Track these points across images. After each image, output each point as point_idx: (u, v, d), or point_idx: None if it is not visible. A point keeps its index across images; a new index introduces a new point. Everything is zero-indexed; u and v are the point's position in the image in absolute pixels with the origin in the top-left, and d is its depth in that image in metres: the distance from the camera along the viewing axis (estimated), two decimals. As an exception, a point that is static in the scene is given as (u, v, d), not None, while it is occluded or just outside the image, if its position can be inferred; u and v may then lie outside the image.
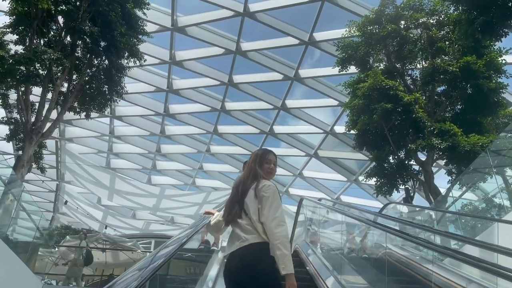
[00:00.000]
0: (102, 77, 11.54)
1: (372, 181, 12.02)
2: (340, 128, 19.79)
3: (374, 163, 11.67)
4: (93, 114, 21.61)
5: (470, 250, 3.53)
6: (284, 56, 17.83)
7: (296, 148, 21.77)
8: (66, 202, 22.96)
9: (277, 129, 21.11)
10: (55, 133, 23.11)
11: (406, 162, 10.94)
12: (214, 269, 5.37)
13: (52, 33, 11.77)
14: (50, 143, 23.55)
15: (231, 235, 2.72)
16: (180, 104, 21.21)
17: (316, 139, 21.48)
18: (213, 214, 3.17)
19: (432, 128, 10.01)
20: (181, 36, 17.08)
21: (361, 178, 21.88)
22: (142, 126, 22.51)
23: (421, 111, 10.15)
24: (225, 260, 2.70)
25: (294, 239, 8.36)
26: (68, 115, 22.20)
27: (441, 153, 10.52)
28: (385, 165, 11.17)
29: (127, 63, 13.13)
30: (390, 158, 11.48)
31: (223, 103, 20.01)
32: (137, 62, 13.27)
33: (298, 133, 21.27)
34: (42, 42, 11.47)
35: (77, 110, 12.20)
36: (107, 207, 28.04)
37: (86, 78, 11.26)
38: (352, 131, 12.64)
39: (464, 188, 9.06)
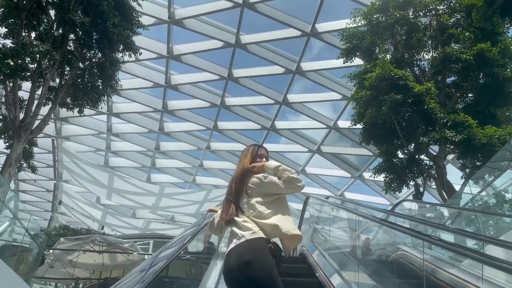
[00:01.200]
0: (95, 71, 10.96)
1: (381, 177, 11.44)
2: (343, 123, 19.22)
3: (381, 158, 11.06)
4: (89, 111, 21.29)
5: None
6: (285, 48, 17.25)
7: (298, 144, 21.20)
8: (60, 202, 22.46)
9: (279, 124, 20.53)
10: (51, 131, 22.63)
11: (417, 156, 10.34)
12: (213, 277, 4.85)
13: (43, 26, 11.21)
14: (46, 142, 23.06)
15: (230, 235, 2.67)
16: (178, 100, 20.62)
17: (319, 134, 20.92)
18: (216, 211, 3.11)
19: (445, 120, 9.42)
20: (178, 29, 16.50)
21: (367, 174, 21.35)
22: (140, 123, 21.95)
23: (433, 102, 9.56)
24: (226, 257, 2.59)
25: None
26: (65, 112, 21.77)
27: (453, 146, 9.94)
28: (395, 160, 10.59)
29: (122, 56, 12.58)
30: (399, 152, 10.90)
31: (223, 98, 19.43)
32: (133, 55, 12.71)
33: (300, 128, 20.69)
34: (33, 35, 10.96)
35: (70, 106, 11.62)
36: (106, 206, 27.55)
37: (78, 72, 10.67)
38: (358, 125, 12.07)
39: (480, 183, 8.49)
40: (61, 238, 12.32)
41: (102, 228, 24.10)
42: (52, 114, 21.34)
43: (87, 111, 20.96)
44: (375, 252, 5.07)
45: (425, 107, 9.35)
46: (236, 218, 2.65)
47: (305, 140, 21.13)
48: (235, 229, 2.61)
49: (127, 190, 24.10)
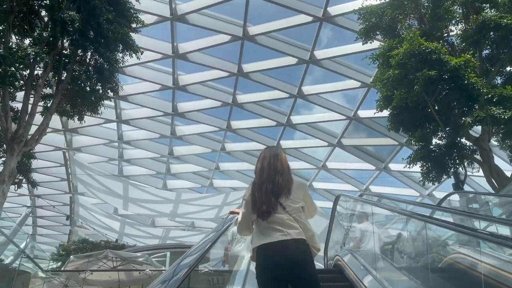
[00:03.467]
0: (92, 73, 10.08)
1: (417, 167, 10.18)
2: (364, 112, 17.99)
3: (415, 146, 9.79)
4: (98, 120, 20.63)
5: None
6: (297, 37, 16.13)
7: (317, 139, 20.02)
8: (68, 218, 21.86)
9: (295, 119, 19.40)
10: (62, 143, 22.07)
11: (457, 140, 9.06)
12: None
13: (37, 31, 10.42)
14: (57, 155, 22.54)
15: (263, 228, 2.76)
16: (188, 101, 19.72)
17: (338, 126, 19.71)
18: (238, 213, 3.15)
19: (489, 96, 8.16)
20: (182, 26, 15.57)
21: (392, 165, 20.03)
22: (151, 128, 21.16)
23: (473, 76, 8.29)
24: (257, 252, 2.73)
25: (330, 247, 6.73)
26: (73, 123, 21.15)
27: (497, 126, 8.66)
28: (431, 146, 9.35)
29: (122, 57, 11.71)
30: (434, 138, 9.64)
31: (234, 96, 18.41)
32: (134, 55, 11.83)
33: (318, 121, 19.49)
34: (27, 41, 10.20)
35: (70, 113, 10.79)
36: (124, 216, 26.91)
37: (75, 75, 9.80)
38: (383, 113, 10.88)
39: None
40: (71, 256, 11.53)
41: (116, 241, 23.38)
42: (61, 126, 21.06)
43: (95, 120, 20.42)
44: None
45: (465, 82, 8.10)
46: (277, 214, 2.74)
47: (324, 134, 19.95)
48: (274, 225, 2.70)
49: (143, 198, 23.37)
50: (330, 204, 23.72)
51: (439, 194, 20.77)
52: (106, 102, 19.48)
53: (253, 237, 2.83)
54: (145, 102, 19.43)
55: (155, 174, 25.43)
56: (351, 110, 18.08)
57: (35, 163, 24.63)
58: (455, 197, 11.78)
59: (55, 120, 19.48)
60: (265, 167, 2.95)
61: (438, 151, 9.08)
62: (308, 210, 2.95)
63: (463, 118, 8.45)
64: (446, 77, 8.15)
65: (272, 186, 2.81)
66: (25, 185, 27.21)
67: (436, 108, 8.83)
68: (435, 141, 9.66)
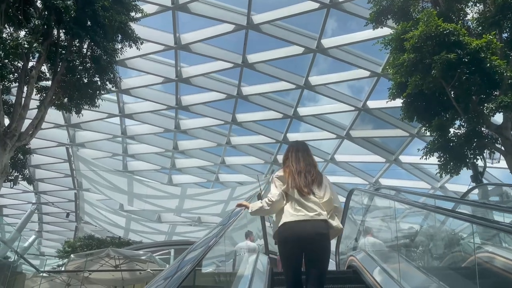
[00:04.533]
0: (88, 64, 9.61)
1: (434, 159, 9.59)
2: (374, 103, 17.39)
3: (431, 136, 9.18)
4: (100, 115, 20.25)
5: None
6: (303, 25, 15.52)
7: (325, 131, 19.45)
8: (68, 215, 21.55)
9: (302, 111, 18.83)
10: (64, 139, 21.74)
11: (478, 128, 8.43)
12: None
13: (33, 22, 9.96)
14: (60, 151, 22.24)
15: (296, 205, 3.27)
16: (192, 94, 19.23)
17: (347, 118, 19.11)
18: (246, 206, 3.66)
19: (514, 79, 7.53)
20: (184, 15, 15.03)
21: (403, 157, 19.43)
22: (155, 122, 20.72)
23: (496, 59, 7.66)
24: (284, 226, 3.22)
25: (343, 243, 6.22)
26: (75, 118, 20.79)
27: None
28: (449, 136, 8.75)
29: (122, 47, 11.25)
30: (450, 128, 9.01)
31: (239, 88, 17.87)
32: (133, 46, 11.36)
33: (326, 113, 18.91)
34: (23, 34, 9.76)
35: (68, 106, 10.35)
36: (130, 212, 26.60)
37: (71, 65, 9.33)
38: (395, 102, 10.29)
39: None
40: (72, 255, 11.16)
41: (119, 238, 23.05)
42: (64, 121, 20.70)
43: (98, 114, 20.04)
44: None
45: (487, 65, 7.49)
46: (311, 196, 3.28)
47: (333, 126, 19.36)
48: (311, 204, 3.24)
49: (148, 194, 23.00)
50: (339, 198, 23.35)
51: (451, 187, 20.16)
52: (108, 96, 19.49)
53: (284, 214, 3.27)
54: (148, 95, 18.99)
55: (160, 169, 25.05)
56: (360, 100, 17.48)
57: (39, 159, 24.53)
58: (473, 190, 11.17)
59: (58, 116, 19.14)
60: (300, 158, 3.52)
61: (457, 141, 8.48)
62: (337, 211, 3.46)
63: (485, 105, 7.83)
64: (466, 60, 7.54)
65: (310, 176, 3.38)
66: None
67: (457, 92, 8.20)
68: (452, 130, 9.04)
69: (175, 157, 23.86)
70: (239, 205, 3.78)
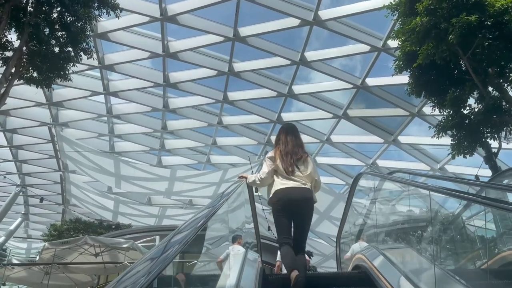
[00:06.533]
0: (59, 32, 8.50)
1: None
2: (373, 80, 16.45)
3: (446, 112, 8.24)
4: (84, 93, 19.12)
5: None
6: (299, -5, 14.37)
7: (321, 110, 18.52)
8: (41, 200, 20.62)
9: (297, 89, 17.82)
10: (47, 118, 20.61)
11: (500, 102, 7.48)
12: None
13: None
14: (44, 131, 21.16)
15: (285, 179, 4.02)
16: (181, 71, 18.11)
17: (345, 97, 18.20)
18: (245, 177, 4.47)
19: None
20: (169, -18, 13.84)
21: (402, 138, 18.64)
22: (142, 101, 19.63)
23: (523, 22, 6.67)
24: (277, 193, 3.99)
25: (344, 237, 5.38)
26: (58, 96, 19.62)
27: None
28: (465, 111, 7.84)
29: (99, 14, 10.13)
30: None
31: (231, 64, 16.76)
32: (112, 13, 10.23)
33: (322, 91, 17.93)
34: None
35: (38, 80, 9.28)
36: (119, 195, 25.71)
37: (37, 32, 8.20)
38: (398, 78, 9.36)
39: None
40: (45, 243, 10.30)
41: (102, 222, 22.22)
42: (45, 99, 19.52)
43: (81, 92, 18.91)
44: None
45: (514, 29, 6.50)
46: (297, 172, 4.05)
47: (329, 105, 18.43)
48: (297, 178, 4.01)
49: (136, 176, 22.08)
50: (334, 180, 22.40)
51: (451, 168, 19.46)
52: (91, 72, 18.33)
53: (275, 184, 4.02)
54: (134, 72, 17.84)
55: (149, 150, 24.07)
56: (359, 78, 16.51)
57: (21, 140, 23.41)
58: (482, 173, 10.38)
59: (39, 93, 17.96)
60: (288, 140, 4.21)
61: (477, 116, 7.55)
62: (316, 184, 4.20)
63: (510, 74, 6.92)
64: (489, 23, 6.59)
65: (295, 156, 4.10)
66: (13, 164, 25.97)
67: (480, 61, 7.21)
68: (468, 106, 8.12)
69: (164, 137, 22.85)
70: (241, 177, 4.52)
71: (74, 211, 25.61)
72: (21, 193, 26.87)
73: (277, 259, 7.14)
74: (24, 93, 17.76)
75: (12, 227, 27.23)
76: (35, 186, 27.37)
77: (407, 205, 3.92)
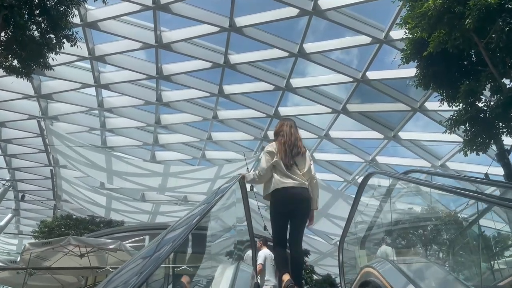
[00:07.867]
0: (39, 17, 7.84)
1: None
2: (373, 74, 15.87)
3: (459, 104, 7.64)
4: (74, 85, 18.38)
5: None
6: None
7: (320, 104, 17.92)
8: (23, 197, 19.95)
9: (295, 82, 17.20)
10: (36, 111, 19.88)
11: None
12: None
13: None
14: (33, 124, 20.46)
15: (284, 176, 3.94)
16: (175, 62, 17.43)
17: (344, 91, 17.61)
18: (244, 175, 4.37)
19: None
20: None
21: (403, 134, 18.09)
22: (135, 94, 18.94)
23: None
24: (275, 191, 3.94)
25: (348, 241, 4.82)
26: (47, 88, 18.89)
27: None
28: (480, 104, 7.26)
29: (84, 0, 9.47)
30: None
31: (226, 56, 16.11)
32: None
33: (321, 85, 17.33)
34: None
35: (19, 69, 8.62)
36: (111, 190, 25.07)
37: (11, 15, 7.53)
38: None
39: None
40: (26, 244, 9.66)
41: (93, 218, 21.53)
42: (34, 91, 18.79)
43: (71, 84, 18.20)
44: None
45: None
46: (296, 170, 4.02)
47: (328, 99, 17.83)
48: (295, 176, 3.97)
49: (129, 171, 21.42)
50: (332, 177, 21.83)
51: (452, 165, 18.94)
52: (81, 64, 17.62)
53: (274, 182, 3.97)
54: (126, 63, 17.15)
55: (142, 145, 23.42)
56: (359, 71, 15.91)
57: (10, 133, 22.68)
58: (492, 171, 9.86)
59: (28, 85, 17.25)
60: (292, 132, 4.26)
61: (491, 111, 6.97)
62: (312, 183, 4.18)
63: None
64: (511, 6, 5.98)
65: (295, 150, 4.11)
66: (2, 158, 25.23)
67: (497, 50, 6.62)
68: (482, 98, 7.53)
69: (158, 132, 22.19)
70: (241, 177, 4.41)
71: (60, 209, 24.97)
72: (11, 188, 26.21)
73: (258, 262, 6.71)
74: (11, 85, 17.08)
75: (2, 223, 26.56)
76: (25, 181, 26.66)
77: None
